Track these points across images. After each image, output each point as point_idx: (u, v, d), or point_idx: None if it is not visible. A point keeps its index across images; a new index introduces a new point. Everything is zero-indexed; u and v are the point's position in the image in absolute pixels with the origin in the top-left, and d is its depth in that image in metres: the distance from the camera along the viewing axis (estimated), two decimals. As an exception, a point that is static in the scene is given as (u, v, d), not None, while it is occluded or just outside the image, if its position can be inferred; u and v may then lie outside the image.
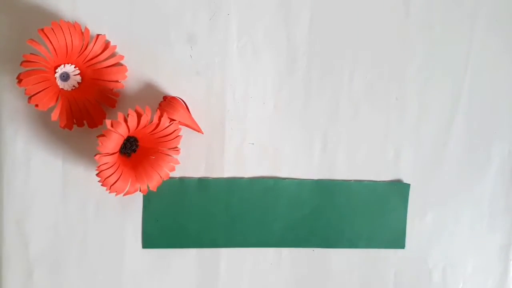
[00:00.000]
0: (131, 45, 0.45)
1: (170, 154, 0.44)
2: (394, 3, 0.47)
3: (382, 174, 0.47)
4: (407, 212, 0.47)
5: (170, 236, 0.46)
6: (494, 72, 0.48)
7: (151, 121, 0.41)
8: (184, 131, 0.45)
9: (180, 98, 0.45)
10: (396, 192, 0.47)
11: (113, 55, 0.45)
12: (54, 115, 0.42)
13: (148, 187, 0.43)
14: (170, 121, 0.42)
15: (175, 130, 0.43)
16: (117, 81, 0.45)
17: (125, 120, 0.39)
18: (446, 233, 0.48)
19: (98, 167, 0.40)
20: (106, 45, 0.44)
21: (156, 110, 0.43)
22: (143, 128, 0.41)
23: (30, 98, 0.40)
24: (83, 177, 0.46)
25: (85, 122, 0.44)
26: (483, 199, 0.48)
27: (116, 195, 0.42)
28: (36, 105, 0.41)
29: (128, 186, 0.42)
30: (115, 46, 0.45)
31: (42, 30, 0.40)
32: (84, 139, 0.45)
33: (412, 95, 0.47)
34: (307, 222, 0.47)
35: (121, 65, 0.45)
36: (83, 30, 0.43)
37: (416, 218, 0.47)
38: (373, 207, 0.47)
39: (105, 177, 0.40)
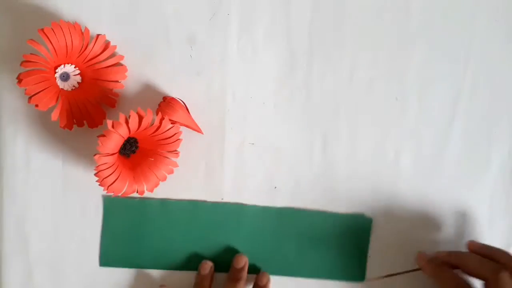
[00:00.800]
0: (131, 45, 0.45)
1: (169, 157, 0.44)
2: (394, 3, 0.47)
3: (382, 174, 0.47)
4: (369, 245, 0.47)
5: (127, 256, 0.46)
6: (494, 72, 0.48)
7: (152, 123, 0.41)
8: (184, 131, 0.44)
9: (179, 99, 0.45)
10: (359, 225, 0.47)
11: (113, 55, 0.45)
12: (54, 115, 0.42)
13: (145, 189, 0.43)
14: (174, 126, 0.42)
15: (175, 134, 0.43)
16: (117, 81, 0.45)
17: (126, 121, 0.39)
18: (446, 233, 0.48)
19: (97, 167, 0.40)
20: (106, 45, 0.44)
21: (156, 112, 0.43)
22: (143, 130, 0.41)
23: (30, 98, 0.40)
24: (83, 177, 0.46)
25: (85, 122, 0.44)
26: (483, 199, 0.48)
27: (113, 195, 0.42)
28: (36, 105, 0.41)
29: (126, 187, 0.42)
30: (115, 46, 0.45)
31: (42, 30, 0.40)
32: (84, 139, 0.45)
33: (412, 95, 0.47)
34: (268, 249, 0.46)
35: (121, 65, 0.45)
36: (83, 30, 0.43)
37: (415, 218, 0.47)
38: (335, 238, 0.47)
39: (103, 177, 0.40)
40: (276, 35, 0.46)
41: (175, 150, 0.44)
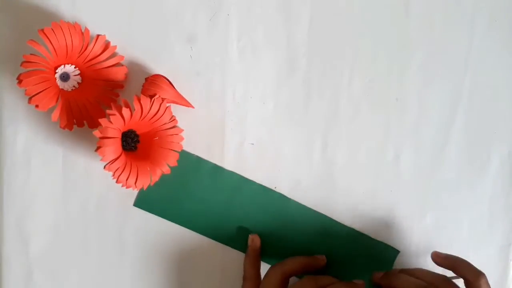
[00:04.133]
0: (131, 45, 0.45)
1: (169, 128, 0.43)
2: (394, 3, 0.47)
3: (382, 174, 0.47)
4: None
5: (163, 206, 0.46)
6: (494, 72, 0.48)
7: (134, 109, 0.41)
8: (184, 132, 0.44)
9: (162, 76, 0.44)
10: (383, 254, 0.47)
11: (113, 55, 0.45)
12: (54, 116, 0.42)
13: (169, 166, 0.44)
14: (151, 101, 0.41)
15: (160, 105, 0.42)
16: (117, 81, 0.45)
17: (110, 122, 0.39)
18: (446, 233, 0.48)
19: (113, 175, 0.40)
20: (106, 45, 0.44)
21: (142, 93, 0.43)
22: (132, 120, 0.41)
23: (30, 98, 0.40)
24: (83, 177, 0.46)
25: (85, 122, 0.44)
26: (483, 199, 0.48)
27: (145, 188, 0.42)
28: (36, 106, 0.41)
29: (151, 177, 0.42)
30: (115, 46, 0.45)
31: (42, 30, 0.40)
32: (84, 139, 0.45)
33: (412, 95, 0.47)
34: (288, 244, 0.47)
35: (121, 65, 0.45)
36: (83, 30, 0.43)
37: (415, 219, 0.47)
38: (357, 259, 0.47)
39: (125, 181, 0.41)
40: (276, 35, 0.46)
41: (172, 120, 0.43)
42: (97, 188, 0.46)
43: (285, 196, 0.47)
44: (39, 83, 0.41)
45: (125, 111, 0.40)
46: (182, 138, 0.44)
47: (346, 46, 0.47)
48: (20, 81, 0.40)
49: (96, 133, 0.39)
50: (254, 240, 0.46)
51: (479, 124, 0.48)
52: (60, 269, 0.46)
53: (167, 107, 0.43)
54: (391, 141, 0.47)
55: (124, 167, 0.41)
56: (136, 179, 0.41)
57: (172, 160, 0.44)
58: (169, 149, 0.43)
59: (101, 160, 0.39)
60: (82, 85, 0.44)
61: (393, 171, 0.47)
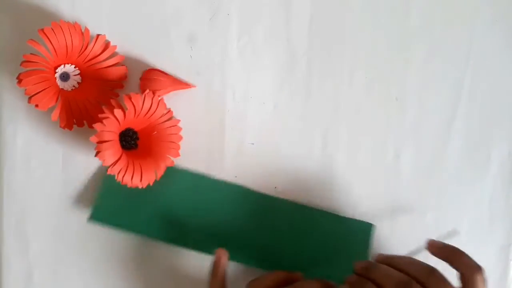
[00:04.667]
0: (131, 45, 0.45)
1: (166, 121, 0.43)
2: (394, 2, 0.47)
3: (382, 174, 0.47)
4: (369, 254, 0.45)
5: (121, 216, 0.44)
6: (494, 72, 0.48)
7: (127, 108, 0.40)
8: (184, 132, 0.44)
9: (155, 69, 0.44)
10: (360, 231, 0.45)
11: (113, 55, 0.45)
12: (54, 115, 0.42)
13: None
14: (143, 97, 0.41)
15: (152, 100, 0.42)
16: (117, 81, 0.45)
17: (104, 126, 0.39)
18: (446, 233, 0.48)
19: (117, 177, 0.40)
20: (106, 45, 0.44)
21: (142, 90, 0.43)
22: (127, 118, 0.41)
23: (30, 98, 0.40)
24: (83, 177, 0.46)
25: (85, 122, 0.44)
26: (483, 199, 0.48)
27: (151, 184, 0.42)
28: (36, 105, 0.41)
29: (156, 173, 0.43)
30: (115, 46, 0.45)
31: (42, 30, 0.40)
32: (84, 139, 0.45)
33: (412, 95, 0.47)
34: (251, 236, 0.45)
35: (121, 65, 0.45)
36: (83, 30, 0.43)
37: (415, 219, 0.47)
38: (330, 240, 0.45)
39: (130, 181, 0.41)
40: (276, 35, 0.46)
41: (168, 112, 0.43)
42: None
43: (245, 187, 0.46)
44: (39, 82, 0.41)
45: (118, 112, 0.39)
46: (180, 129, 0.44)
47: (346, 46, 0.47)
48: (20, 81, 0.40)
49: (93, 138, 0.39)
50: (221, 258, 0.41)
51: (479, 124, 0.48)
52: (60, 269, 0.46)
53: (160, 100, 0.42)
54: (391, 140, 0.47)
55: (127, 167, 0.41)
56: (141, 176, 0.41)
57: (174, 152, 0.44)
58: (169, 141, 0.43)
59: (102, 164, 0.39)
60: (82, 85, 0.44)
61: (393, 171, 0.47)
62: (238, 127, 0.46)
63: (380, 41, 0.47)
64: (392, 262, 0.39)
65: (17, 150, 0.45)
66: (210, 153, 0.46)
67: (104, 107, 0.40)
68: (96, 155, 0.39)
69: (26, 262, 0.46)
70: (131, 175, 0.41)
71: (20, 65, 0.40)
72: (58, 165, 0.46)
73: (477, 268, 0.38)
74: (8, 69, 0.45)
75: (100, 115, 0.39)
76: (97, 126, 0.39)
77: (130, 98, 0.40)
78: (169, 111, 0.43)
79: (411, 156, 0.47)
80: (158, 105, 0.42)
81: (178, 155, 0.44)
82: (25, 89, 0.40)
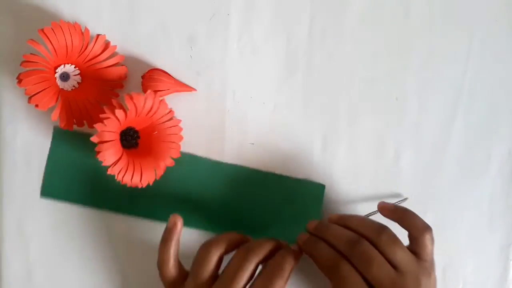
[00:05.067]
0: (131, 45, 0.45)
1: (167, 121, 0.43)
2: (394, 3, 0.47)
3: (382, 174, 0.47)
4: (321, 213, 0.46)
5: (72, 190, 0.45)
6: (494, 72, 0.48)
7: (128, 108, 0.40)
8: (184, 132, 0.44)
9: (158, 69, 0.44)
10: (310, 192, 0.46)
11: (113, 55, 0.45)
12: (54, 115, 0.42)
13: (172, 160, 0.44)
14: (144, 97, 0.41)
15: (154, 100, 0.41)
16: (117, 81, 0.45)
17: (105, 126, 0.39)
18: (446, 233, 0.48)
19: (117, 177, 0.40)
20: (106, 45, 0.44)
21: (144, 90, 0.43)
22: (128, 118, 0.41)
23: (30, 98, 0.40)
24: (83, 177, 0.46)
25: (85, 122, 0.44)
26: (483, 199, 0.48)
27: (151, 183, 0.42)
28: (36, 105, 0.41)
29: (155, 170, 0.43)
30: (115, 46, 0.45)
31: (42, 30, 0.40)
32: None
33: (412, 95, 0.47)
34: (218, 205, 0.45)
35: (121, 65, 0.45)
36: (83, 30, 0.43)
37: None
38: (285, 202, 0.46)
39: (130, 181, 0.41)
40: (276, 35, 0.46)
41: (169, 112, 0.43)
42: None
43: (200, 157, 0.46)
44: (39, 82, 0.41)
45: (119, 113, 0.39)
46: (181, 129, 0.44)
47: (346, 46, 0.47)
48: (20, 81, 0.40)
49: (94, 138, 0.39)
50: (176, 224, 0.40)
51: (479, 124, 0.48)
52: (60, 269, 0.46)
53: (161, 100, 0.43)
54: (391, 141, 0.47)
55: (127, 167, 0.41)
56: (141, 176, 0.41)
57: (174, 152, 0.44)
58: (170, 141, 0.43)
59: (103, 164, 0.39)
60: (82, 85, 0.44)
61: (393, 171, 0.47)
62: (238, 127, 0.46)
63: (380, 41, 0.47)
64: (344, 221, 0.40)
65: (17, 150, 0.45)
66: (210, 153, 0.46)
67: (105, 107, 0.40)
68: (96, 155, 0.39)
69: (26, 262, 0.46)
70: (131, 174, 0.41)
71: (20, 65, 0.40)
72: (58, 165, 0.46)
73: (426, 228, 0.39)
74: (8, 69, 0.45)
75: (101, 115, 0.39)
76: (98, 126, 0.39)
77: (131, 98, 0.40)
78: (170, 111, 0.43)
79: (411, 156, 0.47)
80: (159, 105, 0.42)
81: (178, 155, 0.44)
82: (25, 89, 0.40)
